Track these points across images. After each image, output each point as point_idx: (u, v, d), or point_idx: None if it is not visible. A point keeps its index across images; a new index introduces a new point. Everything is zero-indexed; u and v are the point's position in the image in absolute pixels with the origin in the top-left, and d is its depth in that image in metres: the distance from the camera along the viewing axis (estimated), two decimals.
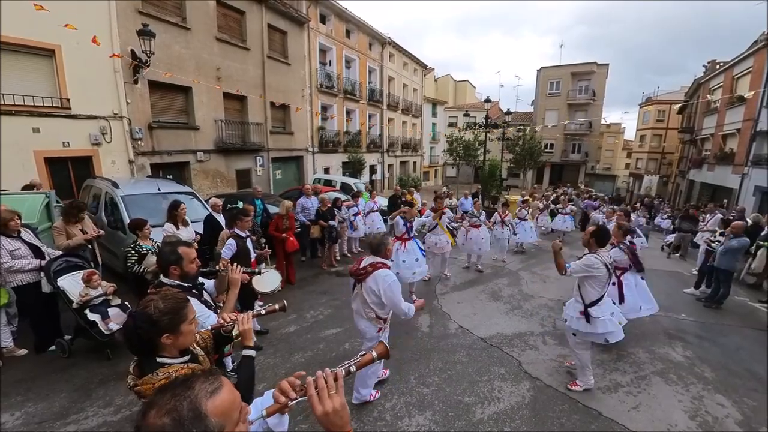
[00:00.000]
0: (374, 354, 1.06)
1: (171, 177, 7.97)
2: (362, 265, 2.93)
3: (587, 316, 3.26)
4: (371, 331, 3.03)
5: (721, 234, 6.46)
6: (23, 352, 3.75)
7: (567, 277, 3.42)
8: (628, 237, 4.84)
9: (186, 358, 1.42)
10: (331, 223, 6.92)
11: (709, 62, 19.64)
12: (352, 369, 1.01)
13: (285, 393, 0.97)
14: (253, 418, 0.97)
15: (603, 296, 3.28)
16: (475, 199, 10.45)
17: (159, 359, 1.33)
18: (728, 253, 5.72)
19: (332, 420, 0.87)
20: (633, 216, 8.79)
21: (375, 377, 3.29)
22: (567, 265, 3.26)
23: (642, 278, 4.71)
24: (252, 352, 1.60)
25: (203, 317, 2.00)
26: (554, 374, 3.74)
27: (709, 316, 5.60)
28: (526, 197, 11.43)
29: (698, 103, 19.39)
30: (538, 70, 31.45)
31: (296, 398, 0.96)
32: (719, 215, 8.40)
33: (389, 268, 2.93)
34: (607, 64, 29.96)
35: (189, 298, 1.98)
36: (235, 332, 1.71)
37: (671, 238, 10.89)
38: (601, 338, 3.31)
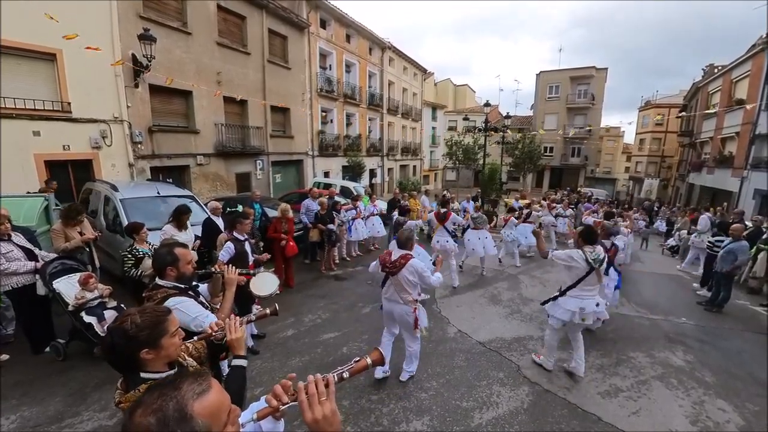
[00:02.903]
0: (369, 360, 1.05)
1: (171, 180, 7.98)
2: (393, 260, 3.31)
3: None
4: (407, 311, 3.36)
5: (714, 236, 6.62)
6: (5, 357, 3.69)
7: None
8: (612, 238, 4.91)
9: (172, 372, 1.36)
10: (330, 226, 6.91)
11: (707, 66, 19.74)
12: (345, 375, 0.99)
13: (278, 397, 0.96)
14: (244, 420, 0.96)
15: (575, 285, 3.55)
16: (476, 202, 10.45)
17: (143, 374, 1.28)
18: (728, 256, 5.70)
19: (322, 427, 0.85)
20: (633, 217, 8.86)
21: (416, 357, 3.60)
22: (548, 249, 3.77)
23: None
24: (242, 362, 1.52)
25: (201, 317, 1.98)
26: (553, 379, 3.70)
27: (710, 320, 5.56)
28: (527, 202, 11.42)
29: (697, 107, 19.45)
30: (537, 74, 31.62)
31: (288, 403, 0.94)
32: (707, 216, 8.62)
33: (414, 257, 3.36)
34: (606, 68, 30.13)
35: (184, 299, 1.99)
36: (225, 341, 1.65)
37: (672, 241, 10.89)
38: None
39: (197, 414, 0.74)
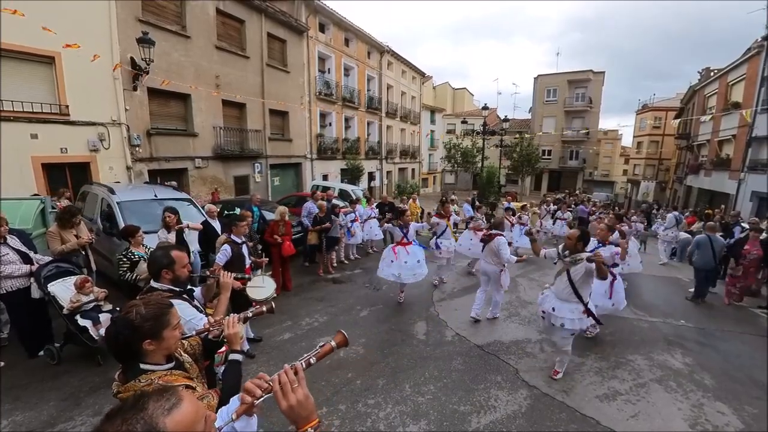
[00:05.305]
0: (333, 343, 1.10)
1: (175, 184, 7.96)
2: (489, 234, 4.83)
3: (588, 312, 3.55)
4: (495, 271, 4.85)
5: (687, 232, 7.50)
6: (1, 364, 3.64)
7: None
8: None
9: (170, 365, 1.39)
10: (337, 220, 6.97)
11: (703, 69, 19.89)
12: (312, 361, 1.05)
13: (251, 392, 0.97)
14: (221, 424, 0.96)
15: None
16: (477, 204, 10.47)
17: (142, 365, 1.30)
18: (699, 251, 6.30)
19: (297, 412, 0.89)
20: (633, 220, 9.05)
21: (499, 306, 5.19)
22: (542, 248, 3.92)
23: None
24: (239, 357, 1.56)
25: (195, 320, 1.97)
26: (552, 382, 3.68)
27: (709, 322, 5.55)
28: (524, 204, 11.48)
29: (694, 110, 19.57)
30: (535, 78, 31.83)
31: (262, 396, 0.97)
32: (673, 213, 9.93)
33: (503, 236, 4.79)
34: (603, 72, 30.34)
35: (178, 302, 1.98)
36: (222, 336, 1.68)
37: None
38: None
39: (171, 430, 0.72)
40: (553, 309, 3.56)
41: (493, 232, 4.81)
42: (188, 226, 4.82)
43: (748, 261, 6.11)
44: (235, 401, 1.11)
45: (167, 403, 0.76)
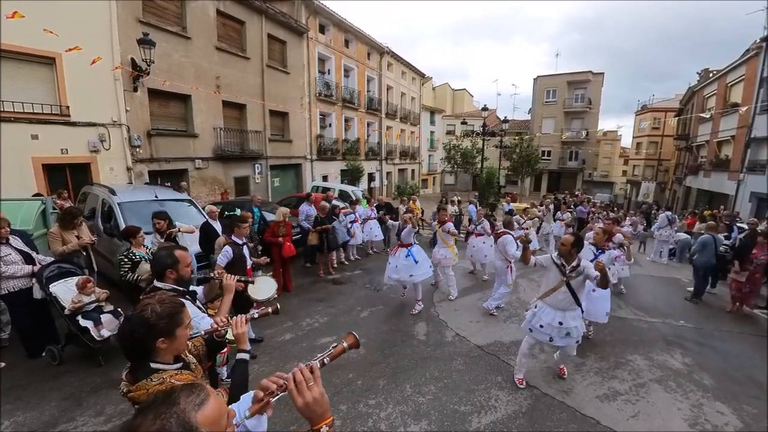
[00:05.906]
0: (345, 344, 1.12)
1: (169, 184, 7.99)
2: (498, 232, 5.43)
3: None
4: (503, 266, 5.36)
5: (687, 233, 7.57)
6: (2, 365, 3.65)
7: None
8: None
9: (179, 365, 1.40)
10: (334, 224, 6.97)
11: (702, 70, 19.95)
12: (326, 360, 1.05)
13: (267, 390, 0.99)
14: (237, 420, 0.97)
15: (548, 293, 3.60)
16: (479, 208, 10.45)
17: (153, 365, 1.31)
18: (703, 250, 6.31)
19: (313, 409, 0.91)
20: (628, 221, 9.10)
21: (500, 300, 5.47)
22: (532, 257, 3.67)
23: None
24: (246, 356, 1.59)
25: (197, 318, 1.99)
26: (552, 382, 3.70)
27: (709, 323, 5.57)
28: (526, 206, 11.47)
29: (693, 111, 19.63)
30: (534, 79, 31.87)
31: (278, 394, 0.98)
32: (665, 214, 10.26)
33: (510, 235, 5.25)
34: (603, 73, 30.38)
35: (184, 301, 2.00)
36: (228, 336, 1.70)
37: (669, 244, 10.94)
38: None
39: (201, 424, 0.74)
40: (560, 323, 3.34)
41: (501, 231, 5.35)
42: (179, 230, 4.70)
43: (754, 266, 5.90)
44: (245, 399, 1.12)
45: (197, 398, 0.79)
